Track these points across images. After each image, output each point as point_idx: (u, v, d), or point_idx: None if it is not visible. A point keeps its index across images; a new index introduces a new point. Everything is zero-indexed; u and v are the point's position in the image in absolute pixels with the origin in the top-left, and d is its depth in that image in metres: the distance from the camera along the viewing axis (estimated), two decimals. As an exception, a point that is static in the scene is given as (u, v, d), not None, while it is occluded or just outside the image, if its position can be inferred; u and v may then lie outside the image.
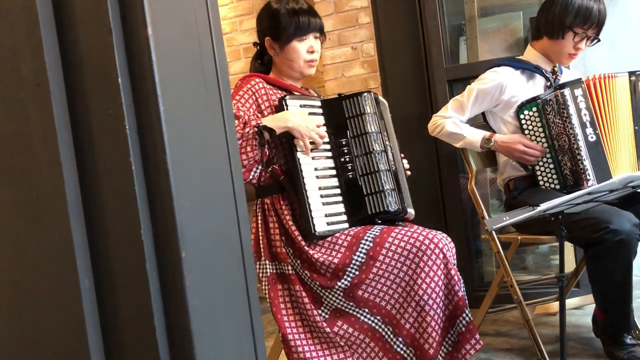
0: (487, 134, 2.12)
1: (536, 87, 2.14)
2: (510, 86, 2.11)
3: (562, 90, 1.98)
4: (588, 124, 1.97)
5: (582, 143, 1.96)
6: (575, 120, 1.96)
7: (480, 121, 2.28)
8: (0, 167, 0.62)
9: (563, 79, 2.17)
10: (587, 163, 1.95)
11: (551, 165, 2.03)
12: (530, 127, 2.05)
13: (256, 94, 1.74)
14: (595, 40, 2.07)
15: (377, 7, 2.78)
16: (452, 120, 2.18)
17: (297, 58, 1.80)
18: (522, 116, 2.06)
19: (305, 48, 1.80)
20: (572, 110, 1.97)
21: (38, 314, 0.62)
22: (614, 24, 2.70)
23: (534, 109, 2.03)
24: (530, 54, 2.16)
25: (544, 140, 2.03)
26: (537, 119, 2.03)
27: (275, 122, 1.64)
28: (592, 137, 1.97)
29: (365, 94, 1.75)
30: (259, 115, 1.71)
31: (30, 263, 0.62)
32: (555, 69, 2.15)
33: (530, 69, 2.14)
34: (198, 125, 0.68)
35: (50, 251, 0.61)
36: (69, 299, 0.60)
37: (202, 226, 0.66)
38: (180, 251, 0.62)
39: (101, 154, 0.61)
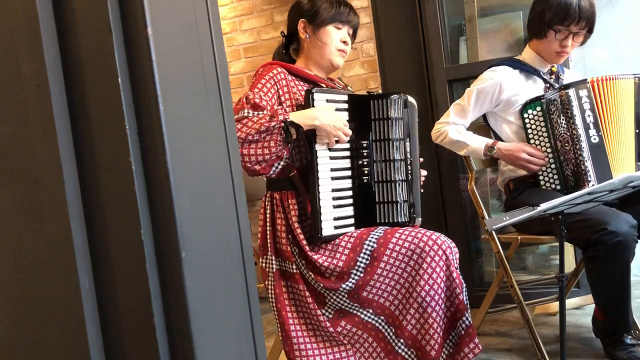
0: (489, 141, 2.11)
1: (536, 85, 2.14)
2: (510, 85, 2.10)
3: (567, 91, 1.97)
4: (592, 125, 1.96)
5: (584, 144, 1.95)
6: (579, 121, 1.96)
7: (481, 121, 2.28)
8: (0, 167, 0.62)
9: (566, 79, 2.16)
10: (589, 164, 1.95)
11: (552, 166, 2.03)
12: (533, 127, 2.05)
13: (278, 84, 1.69)
14: (585, 38, 2.05)
15: (377, 7, 2.78)
16: (455, 128, 2.17)
17: (330, 43, 1.77)
18: (525, 115, 2.05)
19: (339, 36, 1.78)
20: (576, 110, 1.96)
21: (38, 314, 0.62)
22: (614, 24, 2.70)
23: (538, 108, 2.03)
24: (528, 55, 2.16)
25: (546, 140, 2.02)
26: (541, 119, 2.02)
27: (303, 118, 1.59)
28: (595, 139, 1.96)
29: (395, 96, 1.69)
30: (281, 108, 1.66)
31: (30, 263, 0.62)
32: (554, 69, 2.14)
33: (528, 71, 2.13)
34: (198, 125, 0.68)
35: (50, 251, 0.61)
36: (69, 299, 0.60)
37: (202, 226, 0.66)
38: (180, 251, 0.62)
39: (101, 154, 0.61)
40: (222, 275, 0.69)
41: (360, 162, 1.68)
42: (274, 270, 1.67)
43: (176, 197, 0.62)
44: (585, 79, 2.00)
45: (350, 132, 1.67)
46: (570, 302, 2.36)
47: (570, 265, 2.52)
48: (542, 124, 2.02)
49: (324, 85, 1.79)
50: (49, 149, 0.60)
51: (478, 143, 2.12)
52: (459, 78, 2.68)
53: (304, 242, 1.63)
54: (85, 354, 0.61)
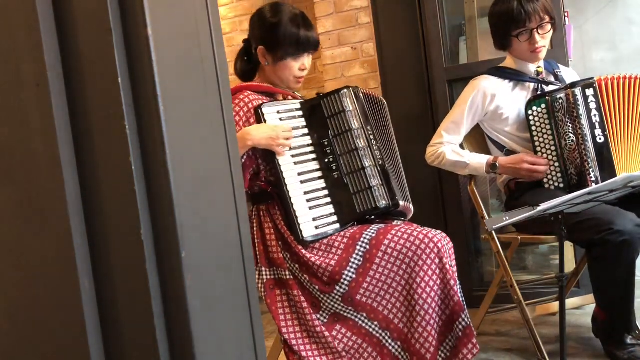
0: (490, 158, 2.09)
1: (525, 90, 2.13)
2: (497, 93, 2.10)
3: (573, 90, 1.95)
4: (597, 125, 1.95)
5: (590, 144, 1.94)
6: (584, 120, 1.94)
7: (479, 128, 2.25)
8: (0, 167, 0.62)
9: (566, 78, 2.16)
10: (593, 164, 1.94)
11: (556, 164, 2.02)
12: (537, 125, 2.02)
13: (242, 110, 1.72)
14: (550, 26, 2.04)
15: (377, 7, 2.78)
16: (451, 148, 2.14)
17: (288, 75, 1.78)
18: (530, 112, 2.03)
19: (298, 66, 1.78)
20: (582, 110, 1.95)
21: (38, 314, 0.62)
22: (615, 24, 2.70)
23: (543, 105, 2.01)
24: (510, 61, 2.15)
25: (550, 137, 2.01)
26: (545, 116, 2.00)
27: None
28: (600, 139, 1.95)
29: (344, 90, 1.72)
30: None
31: (30, 263, 0.62)
32: (540, 69, 2.13)
33: (515, 78, 2.12)
34: (198, 125, 0.68)
35: (50, 251, 0.61)
36: (69, 299, 0.60)
37: (202, 226, 0.66)
38: (180, 251, 0.62)
39: (101, 154, 0.61)
40: (222, 275, 0.69)
41: (327, 159, 1.70)
42: (265, 281, 1.68)
43: (176, 197, 0.62)
44: (592, 78, 1.98)
45: (291, 134, 1.67)
46: (570, 302, 2.36)
47: (570, 265, 2.52)
48: (547, 121, 2.01)
49: (281, 97, 1.82)
50: (49, 149, 0.60)
51: (479, 161, 2.10)
52: (459, 78, 2.67)
53: (295, 242, 1.64)
54: (85, 354, 0.61)
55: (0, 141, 0.62)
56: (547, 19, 2.01)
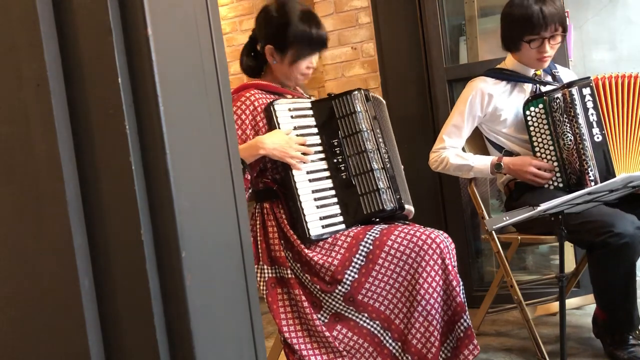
0: (494, 159, 2.09)
1: (523, 91, 2.13)
2: (495, 94, 2.10)
3: (570, 89, 1.96)
4: (595, 124, 1.95)
5: (587, 143, 1.94)
6: (581, 119, 1.95)
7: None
8: (0, 167, 0.62)
9: (564, 78, 2.16)
10: (592, 163, 1.94)
11: (555, 164, 2.02)
12: (535, 125, 2.03)
13: (247, 109, 1.70)
14: (562, 37, 2.04)
15: (377, 7, 2.78)
16: (454, 152, 2.14)
17: (295, 73, 1.77)
18: (527, 112, 2.03)
19: (305, 64, 1.77)
20: (579, 109, 1.95)
21: (38, 313, 0.62)
22: (614, 24, 2.70)
23: (540, 105, 2.01)
24: (510, 63, 2.15)
25: (548, 137, 2.01)
26: (543, 116, 2.01)
27: (246, 151, 1.61)
28: (598, 137, 1.95)
29: (355, 92, 1.72)
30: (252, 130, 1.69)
31: (30, 263, 0.62)
32: (538, 72, 2.12)
33: (513, 79, 2.12)
34: (198, 125, 0.68)
35: (50, 251, 0.61)
36: (69, 299, 0.60)
37: (202, 226, 0.66)
38: (180, 251, 0.62)
39: (101, 154, 0.61)
40: (222, 275, 0.69)
41: (335, 160, 1.71)
42: (266, 279, 1.68)
43: (176, 197, 0.62)
44: (589, 77, 1.99)
45: (305, 148, 1.67)
46: (570, 302, 2.36)
47: (570, 265, 2.52)
48: (545, 121, 2.01)
49: (289, 96, 1.81)
50: (49, 149, 0.60)
51: (483, 162, 2.10)
52: (459, 78, 2.67)
53: (298, 241, 1.64)
54: (85, 354, 0.61)
55: (0, 141, 0.62)
56: (560, 30, 2.01)
